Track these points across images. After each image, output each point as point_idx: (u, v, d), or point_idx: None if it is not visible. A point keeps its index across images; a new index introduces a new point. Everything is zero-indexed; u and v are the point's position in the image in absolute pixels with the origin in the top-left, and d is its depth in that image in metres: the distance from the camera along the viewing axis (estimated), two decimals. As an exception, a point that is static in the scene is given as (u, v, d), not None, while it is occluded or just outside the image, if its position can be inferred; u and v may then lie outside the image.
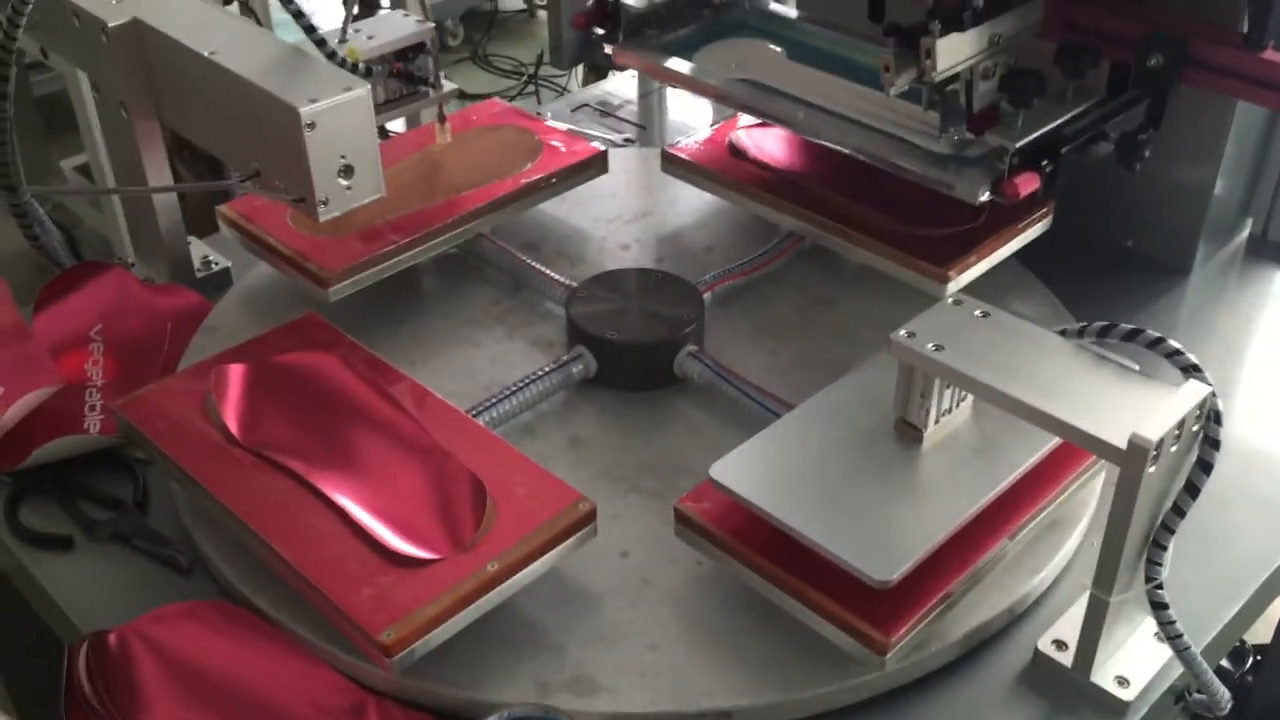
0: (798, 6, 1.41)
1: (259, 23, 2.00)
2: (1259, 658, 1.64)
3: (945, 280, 1.13)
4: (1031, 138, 1.08)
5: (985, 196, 1.10)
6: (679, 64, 1.31)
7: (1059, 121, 1.10)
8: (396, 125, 1.59)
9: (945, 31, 1.01)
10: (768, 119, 1.26)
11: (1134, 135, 1.12)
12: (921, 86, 1.06)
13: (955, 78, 1.06)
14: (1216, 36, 1.09)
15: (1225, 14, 1.09)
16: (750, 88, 1.27)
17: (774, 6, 1.42)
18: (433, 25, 1.29)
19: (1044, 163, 1.08)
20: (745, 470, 0.92)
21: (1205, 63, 1.10)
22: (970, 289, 1.13)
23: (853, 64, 1.31)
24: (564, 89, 3.66)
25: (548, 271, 1.27)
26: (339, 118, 1.00)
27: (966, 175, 1.10)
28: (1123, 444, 0.78)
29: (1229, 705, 0.94)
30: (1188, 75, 1.12)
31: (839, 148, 1.19)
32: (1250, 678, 1.63)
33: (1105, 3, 1.15)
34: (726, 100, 1.27)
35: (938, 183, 1.12)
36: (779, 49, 1.34)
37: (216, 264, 1.33)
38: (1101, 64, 1.13)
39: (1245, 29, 1.07)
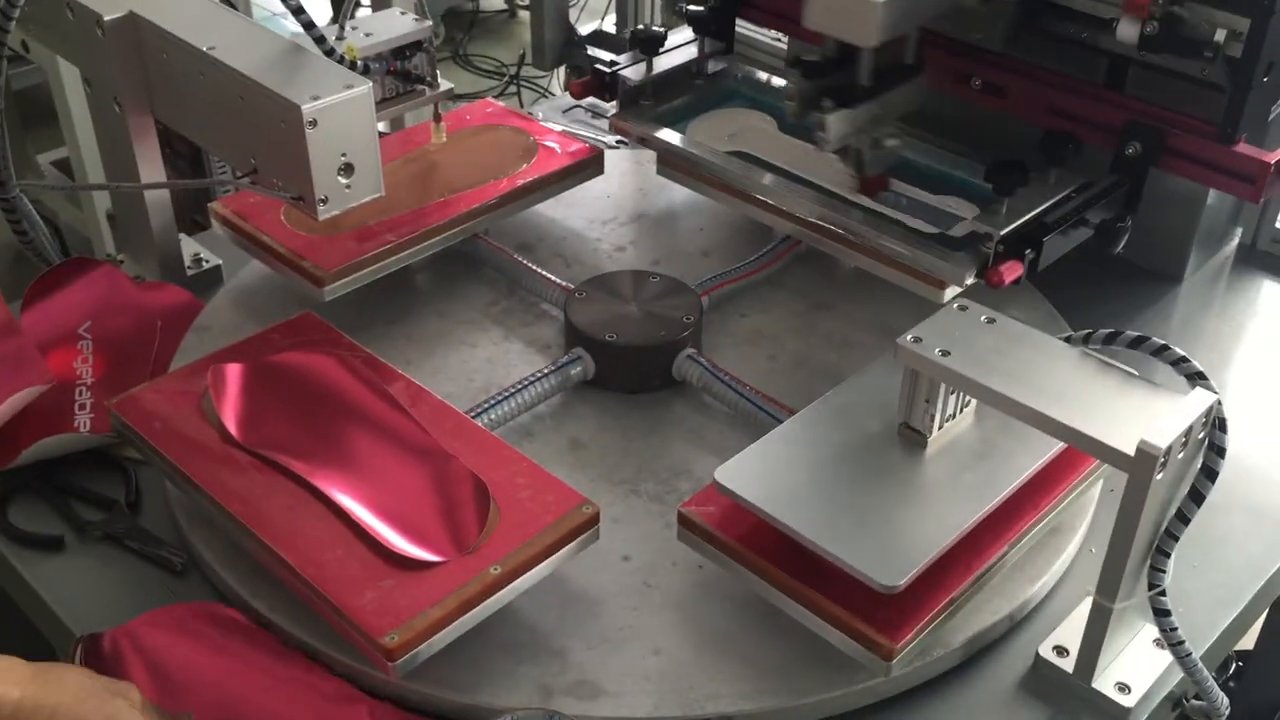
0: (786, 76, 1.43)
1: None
2: (1240, 664, 1.65)
3: (943, 286, 1.13)
4: (1015, 225, 1.11)
5: (970, 281, 1.11)
6: (673, 136, 1.31)
7: (1041, 208, 1.12)
8: (379, 126, 1.57)
9: (836, 108, 1.07)
10: (758, 196, 1.25)
11: (1112, 221, 1.14)
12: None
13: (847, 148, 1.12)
14: (1192, 128, 1.12)
15: (1201, 107, 1.12)
16: (741, 162, 1.27)
17: (763, 76, 1.42)
18: (430, 24, 1.28)
19: (1027, 250, 1.10)
20: (750, 475, 0.92)
21: (1182, 152, 1.13)
22: (964, 294, 1.13)
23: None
24: (545, 90, 3.65)
25: (545, 273, 1.26)
26: (340, 115, 0.99)
27: (952, 260, 1.11)
28: (1131, 450, 0.79)
29: (1227, 711, 0.95)
30: (1164, 163, 1.14)
31: (827, 225, 1.19)
32: (1233, 684, 1.64)
33: (1086, 90, 1.18)
34: (720, 175, 1.26)
35: (923, 266, 1.13)
36: (770, 118, 1.35)
37: (208, 261, 1.32)
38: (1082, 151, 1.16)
39: (1221, 122, 1.10)
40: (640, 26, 1.38)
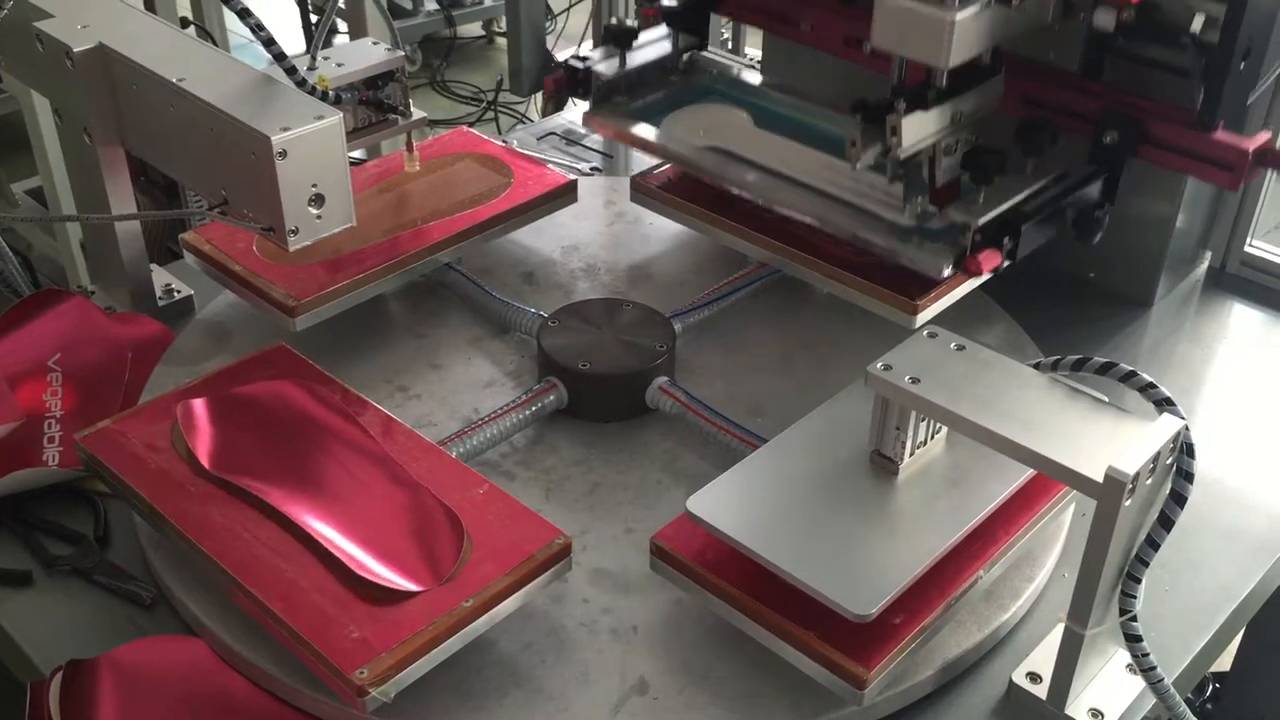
0: (762, 73, 1.43)
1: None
2: (1218, 685, 1.66)
3: (915, 311, 1.13)
4: (993, 214, 1.11)
5: (948, 272, 1.11)
6: (648, 130, 1.31)
7: (1019, 198, 1.12)
8: (355, 154, 1.58)
9: (910, 110, 1.04)
10: (733, 187, 1.25)
11: (1090, 210, 1.14)
12: (886, 161, 1.08)
13: (919, 153, 1.08)
14: (1170, 115, 1.12)
15: (1179, 94, 1.12)
16: (717, 155, 1.27)
17: (739, 73, 1.43)
18: (403, 54, 1.28)
19: (1005, 239, 1.10)
20: (722, 504, 0.91)
21: (1159, 141, 1.13)
22: (936, 318, 1.14)
23: (816, 130, 1.32)
24: (523, 115, 3.66)
25: (517, 302, 1.26)
26: (311, 146, 0.99)
27: (929, 250, 1.12)
28: (1099, 477, 0.79)
29: (1200, 736, 0.95)
30: (1142, 152, 1.14)
31: (803, 218, 1.19)
32: (1209, 705, 1.65)
33: (1063, 80, 1.18)
34: (695, 168, 1.27)
35: (901, 257, 1.13)
36: (745, 115, 1.35)
37: (179, 292, 1.31)
38: (1059, 140, 1.15)
39: (1198, 109, 1.10)
40: (613, 21, 1.36)
